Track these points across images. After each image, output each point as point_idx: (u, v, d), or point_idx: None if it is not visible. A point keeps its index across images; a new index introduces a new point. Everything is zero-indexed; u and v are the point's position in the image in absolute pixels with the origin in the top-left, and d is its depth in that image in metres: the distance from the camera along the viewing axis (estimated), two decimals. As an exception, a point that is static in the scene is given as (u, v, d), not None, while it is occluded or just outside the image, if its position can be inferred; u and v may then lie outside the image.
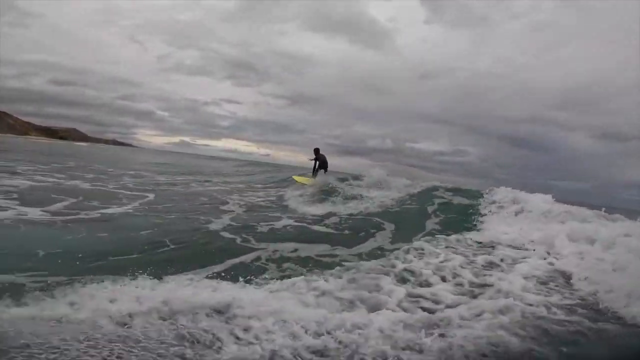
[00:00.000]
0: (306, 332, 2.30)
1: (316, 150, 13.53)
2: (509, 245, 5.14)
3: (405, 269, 3.85)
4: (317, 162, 13.33)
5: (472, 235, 5.71)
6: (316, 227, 6.60)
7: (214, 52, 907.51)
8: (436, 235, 5.74)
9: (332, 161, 13.88)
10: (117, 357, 1.81)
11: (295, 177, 13.85)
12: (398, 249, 4.82)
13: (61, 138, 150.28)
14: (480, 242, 5.34)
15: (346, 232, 6.46)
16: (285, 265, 4.37)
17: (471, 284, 3.61)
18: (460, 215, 7.66)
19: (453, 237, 5.53)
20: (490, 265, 4.27)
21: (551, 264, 4.26)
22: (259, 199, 10.23)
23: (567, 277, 3.83)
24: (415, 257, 4.36)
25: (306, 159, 14.11)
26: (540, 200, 7.31)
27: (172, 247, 4.63)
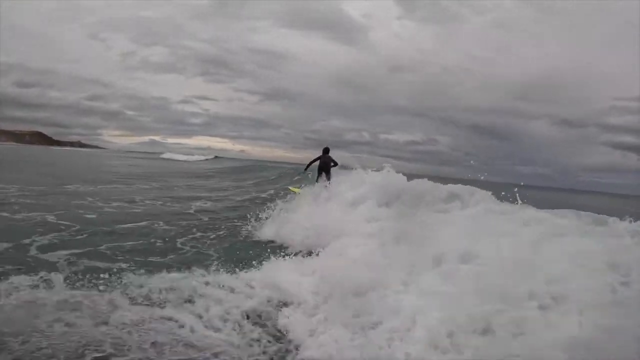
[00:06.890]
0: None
1: (325, 150, 10.16)
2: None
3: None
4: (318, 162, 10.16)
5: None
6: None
7: (184, 49, 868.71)
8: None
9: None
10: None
11: (292, 188, 11.17)
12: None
13: (29, 143, 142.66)
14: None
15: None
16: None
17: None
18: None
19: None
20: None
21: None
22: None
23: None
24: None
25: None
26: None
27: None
